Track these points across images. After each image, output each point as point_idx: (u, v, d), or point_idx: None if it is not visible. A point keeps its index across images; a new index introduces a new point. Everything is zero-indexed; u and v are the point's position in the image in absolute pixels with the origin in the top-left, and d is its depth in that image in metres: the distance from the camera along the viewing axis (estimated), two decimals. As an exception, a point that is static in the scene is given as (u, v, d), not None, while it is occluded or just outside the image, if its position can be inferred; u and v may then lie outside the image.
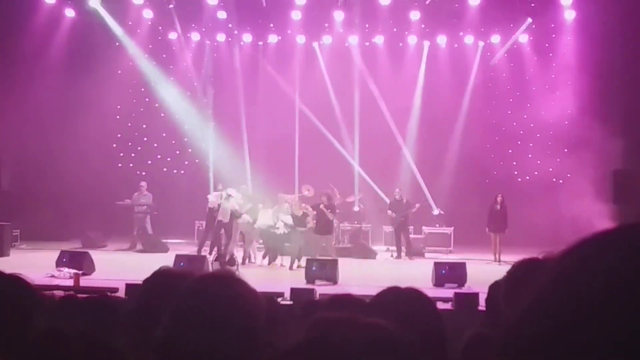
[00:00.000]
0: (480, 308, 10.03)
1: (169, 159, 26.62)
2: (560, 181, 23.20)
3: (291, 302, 10.95)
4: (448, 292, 12.74)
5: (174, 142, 26.33)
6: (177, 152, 26.44)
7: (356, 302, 4.55)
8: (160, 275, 3.74)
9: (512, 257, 16.65)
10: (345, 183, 23.55)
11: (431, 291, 13.80)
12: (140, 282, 3.87)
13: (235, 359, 2.25)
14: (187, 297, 2.44)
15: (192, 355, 2.32)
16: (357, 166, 25.18)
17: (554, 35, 24.78)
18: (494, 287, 4.86)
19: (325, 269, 15.67)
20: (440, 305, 10.79)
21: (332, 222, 19.60)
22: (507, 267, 3.29)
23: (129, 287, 10.33)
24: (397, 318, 2.91)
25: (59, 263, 15.81)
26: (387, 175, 24.51)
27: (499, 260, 19.34)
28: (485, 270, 15.41)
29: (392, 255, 21.33)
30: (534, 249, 3.85)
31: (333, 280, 15.28)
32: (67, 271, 15.27)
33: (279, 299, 10.74)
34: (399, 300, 3.30)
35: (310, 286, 13.68)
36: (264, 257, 19.53)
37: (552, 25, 24.52)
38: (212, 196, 20.22)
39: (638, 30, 20.34)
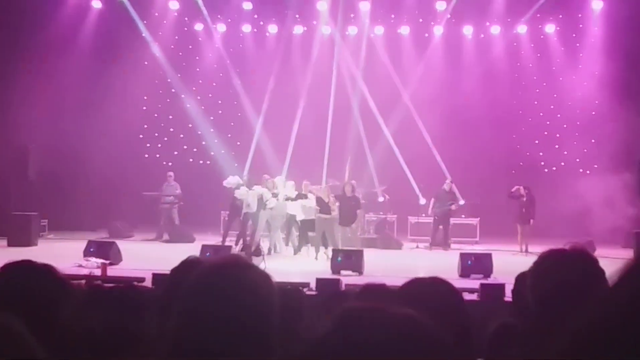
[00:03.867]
0: (506, 299, 10.00)
1: (195, 150, 26.72)
2: (587, 172, 23.01)
3: (316, 293, 10.96)
4: (474, 282, 12.67)
5: (200, 132, 26.41)
6: (203, 142, 26.51)
7: (384, 292, 4.55)
8: (188, 265, 3.76)
9: (538, 248, 16.58)
10: (376, 174, 23.67)
11: (457, 282, 13.76)
12: (167, 272, 3.89)
13: (250, 349, 2.24)
14: (196, 288, 2.43)
15: (204, 346, 2.32)
16: (368, 157, 25.09)
17: (581, 26, 24.58)
18: (521, 278, 4.84)
19: (350, 260, 15.62)
20: (466, 296, 10.75)
21: (357, 212, 19.61)
22: (534, 258, 3.26)
23: (156, 276, 10.39)
24: (424, 309, 2.90)
25: (87, 253, 15.92)
26: (413, 166, 24.44)
27: (526, 251, 19.24)
28: (511, 261, 15.32)
29: (417, 246, 21.27)
30: (560, 239, 3.84)
31: (359, 270, 15.26)
32: (95, 261, 15.37)
33: (305, 289, 10.77)
34: (425, 291, 3.28)
35: (335, 277, 13.68)
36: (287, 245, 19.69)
37: (580, 16, 24.33)
38: (231, 178, 20.21)
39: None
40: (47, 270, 3.55)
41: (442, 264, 16.53)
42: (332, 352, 1.58)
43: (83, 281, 9.79)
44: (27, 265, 3.56)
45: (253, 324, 2.29)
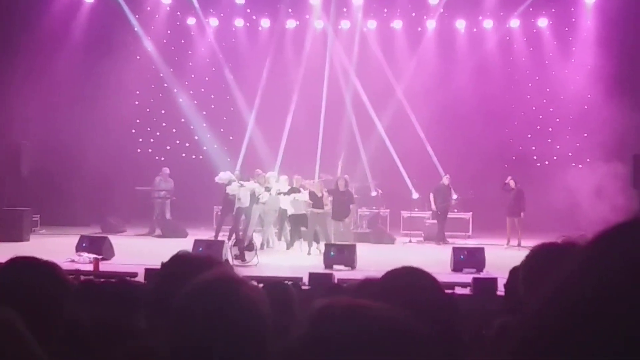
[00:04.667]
0: (499, 293, 10.02)
1: (187, 144, 26.70)
2: (580, 166, 23.03)
3: (309, 287, 10.96)
4: (466, 277, 12.72)
5: (192, 127, 26.38)
6: (196, 137, 26.47)
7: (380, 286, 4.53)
8: (179, 260, 3.76)
9: (531, 242, 16.62)
10: (369, 168, 23.71)
11: (450, 276, 13.81)
12: (159, 267, 3.90)
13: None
14: (188, 304, 2.45)
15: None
16: (359, 151, 25.11)
17: (573, 19, 24.61)
18: (514, 272, 4.85)
19: (343, 254, 15.67)
20: (459, 290, 10.80)
21: (349, 207, 19.65)
22: (526, 252, 3.27)
23: (148, 271, 10.37)
24: (403, 301, 2.90)
25: (79, 248, 15.92)
26: (406, 161, 24.46)
27: (519, 245, 19.29)
28: (503, 256, 15.38)
29: (410, 240, 21.29)
30: (552, 233, 3.84)
31: (351, 265, 15.30)
32: (87, 256, 15.37)
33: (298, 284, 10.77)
34: (403, 283, 3.28)
35: (328, 271, 13.69)
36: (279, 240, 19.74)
37: (572, 9, 24.36)
38: (223, 174, 20.23)
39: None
40: (50, 267, 3.57)
41: (435, 258, 16.52)
42: (307, 355, 1.57)
43: (72, 276, 9.78)
44: (31, 262, 3.58)
45: (247, 340, 2.32)
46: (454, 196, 22.06)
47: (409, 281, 3.34)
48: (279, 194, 19.32)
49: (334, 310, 1.65)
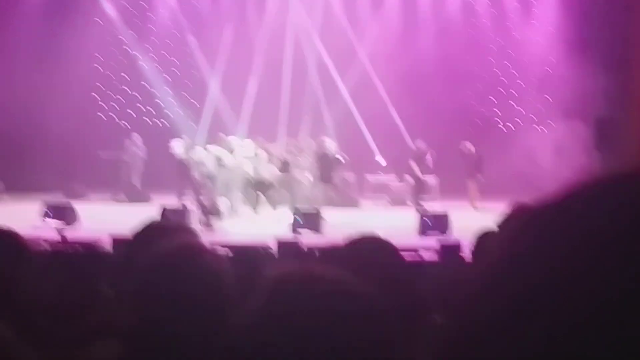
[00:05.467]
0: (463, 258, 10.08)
1: (150, 109, 26.44)
2: (542, 128, 23.17)
3: (279, 254, 10.96)
4: (432, 241, 12.86)
5: (154, 91, 26.12)
6: (158, 101, 26.22)
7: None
8: (150, 229, 3.73)
9: (492, 205, 16.81)
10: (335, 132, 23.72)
11: (416, 240, 13.98)
12: (126, 236, 3.86)
13: (204, 334, 2.26)
14: (149, 274, 2.46)
15: (161, 335, 2.35)
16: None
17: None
18: (482, 237, 4.84)
19: (310, 219, 15.79)
20: (425, 255, 10.87)
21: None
22: (485, 214, 3.30)
23: (116, 240, 10.27)
24: (359, 268, 2.92)
25: (43, 214, 15.82)
26: (371, 125, 24.48)
27: (474, 207, 19.56)
28: (465, 217, 15.63)
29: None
30: (513, 196, 3.87)
31: (317, 230, 15.40)
32: (51, 222, 15.29)
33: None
34: (360, 250, 3.32)
35: (295, 237, 13.75)
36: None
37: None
38: (175, 143, 20.38)
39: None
40: (8, 235, 3.52)
41: (401, 222, 16.70)
42: (265, 326, 1.58)
43: (35, 244, 9.70)
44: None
45: (207, 311, 2.33)
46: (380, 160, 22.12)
47: (370, 249, 3.39)
48: (245, 157, 19.35)
49: (288, 281, 1.66)
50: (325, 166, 19.15)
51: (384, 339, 1.64)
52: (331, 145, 19.93)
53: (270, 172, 19.03)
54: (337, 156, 19.86)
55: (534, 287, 0.59)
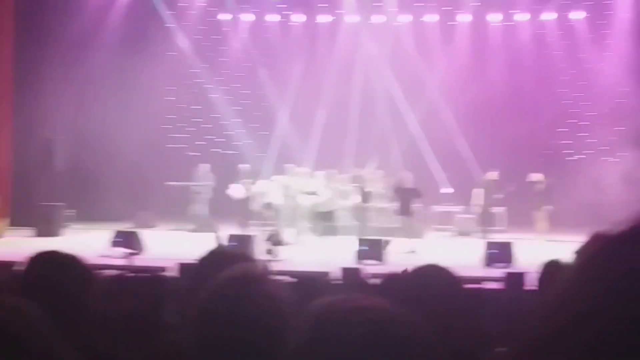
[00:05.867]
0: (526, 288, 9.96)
1: (220, 140, 26.67)
2: (615, 160, 22.73)
3: (342, 281, 10.96)
4: (497, 272, 12.76)
5: (225, 122, 26.38)
6: (228, 132, 26.47)
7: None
8: (215, 255, 3.82)
9: (561, 236, 16.58)
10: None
11: (482, 271, 13.83)
12: (194, 262, 3.94)
13: (267, 352, 2.31)
14: (211, 300, 2.53)
15: (227, 347, 2.41)
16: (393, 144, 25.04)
17: (610, 12, 24.30)
18: (549, 266, 4.82)
19: (374, 248, 15.83)
20: (490, 285, 10.77)
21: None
22: (551, 244, 3.28)
23: (183, 266, 10.40)
24: (423, 301, 2.94)
25: (112, 242, 16.06)
26: (438, 155, 24.39)
27: (543, 239, 19.32)
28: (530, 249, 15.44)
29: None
30: (583, 228, 3.83)
31: (379, 259, 15.50)
32: (120, 250, 15.51)
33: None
34: (424, 283, 3.34)
35: (358, 265, 13.74)
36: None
37: (609, 1, 24.08)
38: (234, 188, 20.79)
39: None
40: (72, 260, 3.63)
41: (466, 253, 16.57)
42: (311, 354, 1.63)
43: (109, 271, 9.86)
44: (53, 255, 3.64)
45: (265, 336, 2.40)
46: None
47: (430, 279, 3.40)
48: (311, 194, 19.54)
49: (331, 313, 1.70)
50: (406, 199, 19.15)
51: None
52: (410, 179, 19.91)
53: (332, 204, 19.23)
54: (418, 190, 19.81)
55: (605, 313, 0.59)
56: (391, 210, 20.12)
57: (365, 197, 19.86)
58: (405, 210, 19.16)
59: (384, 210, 20.74)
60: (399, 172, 20.62)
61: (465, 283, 3.59)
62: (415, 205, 22.05)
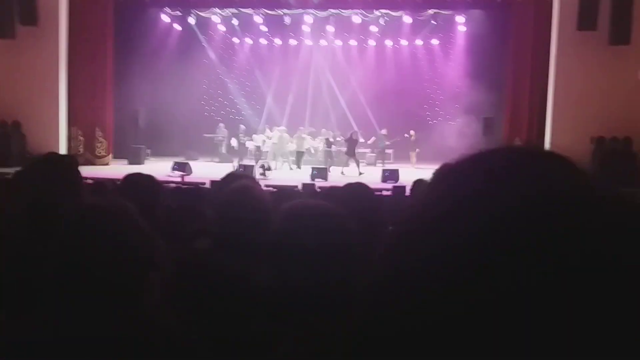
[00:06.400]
0: (406, 194, 10.05)
1: (233, 110, 26.04)
2: (454, 123, 22.73)
3: (302, 191, 10.98)
4: (389, 185, 12.86)
5: (235, 101, 25.75)
6: (237, 106, 25.83)
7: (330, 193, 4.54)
8: (232, 175, 3.76)
9: (425, 166, 16.71)
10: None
11: (381, 185, 13.98)
12: (219, 179, 3.88)
13: (256, 231, 2.28)
14: (227, 201, 2.54)
15: (232, 234, 2.40)
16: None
17: (453, 38, 24.07)
18: (417, 183, 4.80)
19: (321, 172, 15.86)
20: (385, 193, 10.87)
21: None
22: (420, 170, 3.26)
23: (213, 182, 10.29)
24: (344, 201, 2.92)
25: (172, 168, 15.91)
26: (359, 121, 24.24)
27: (415, 167, 19.49)
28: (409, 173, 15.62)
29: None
30: (439, 163, 3.79)
31: (325, 178, 15.51)
32: (177, 173, 15.37)
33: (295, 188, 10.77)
34: (349, 191, 3.32)
35: (312, 181, 13.81)
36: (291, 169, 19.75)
37: (451, 34, 23.90)
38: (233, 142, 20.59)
39: (500, 40, 19.86)
40: (150, 177, 3.55)
41: (371, 174, 16.74)
42: (284, 234, 1.61)
43: (170, 184, 9.75)
44: (139, 175, 3.58)
45: (257, 221, 2.36)
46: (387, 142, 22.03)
47: (356, 189, 3.37)
48: (289, 141, 19.67)
49: (295, 209, 1.70)
50: (351, 145, 19.13)
51: (351, 242, 1.66)
52: (358, 134, 20.00)
53: (302, 146, 19.36)
54: (361, 140, 19.95)
55: (443, 204, 0.54)
56: (342, 152, 19.97)
57: (327, 144, 19.85)
58: (350, 152, 19.20)
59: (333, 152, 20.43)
60: (353, 131, 20.18)
61: (372, 192, 3.59)
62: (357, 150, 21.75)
